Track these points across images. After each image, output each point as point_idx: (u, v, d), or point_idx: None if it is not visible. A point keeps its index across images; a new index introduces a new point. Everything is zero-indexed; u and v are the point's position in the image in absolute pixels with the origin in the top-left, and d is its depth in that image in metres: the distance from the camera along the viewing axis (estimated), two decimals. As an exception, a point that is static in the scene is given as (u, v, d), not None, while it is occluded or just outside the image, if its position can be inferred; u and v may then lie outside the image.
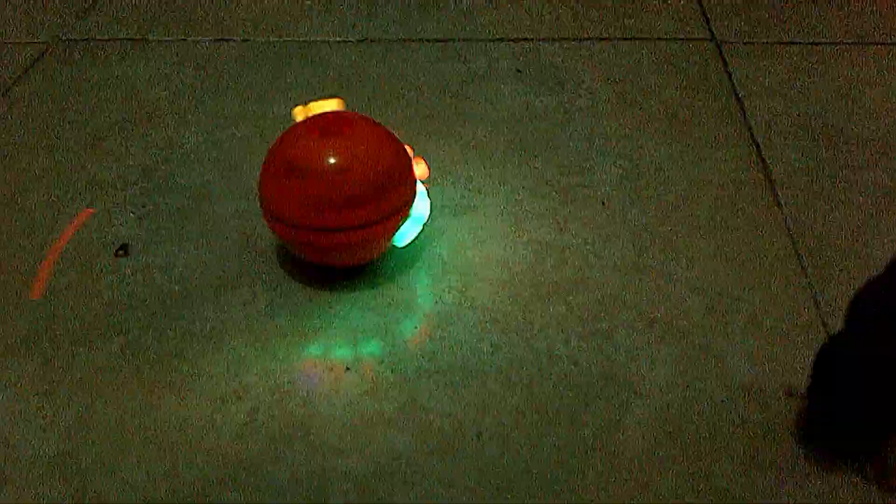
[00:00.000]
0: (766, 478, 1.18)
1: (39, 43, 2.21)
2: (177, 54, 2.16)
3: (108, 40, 2.22)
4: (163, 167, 1.78)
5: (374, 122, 1.48)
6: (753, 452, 1.21)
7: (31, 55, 2.16)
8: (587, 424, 1.26)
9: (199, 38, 2.23)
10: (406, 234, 1.49)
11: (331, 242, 1.41)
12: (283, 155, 1.42)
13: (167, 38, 2.23)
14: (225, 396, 1.31)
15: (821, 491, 1.16)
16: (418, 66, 2.09)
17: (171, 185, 1.73)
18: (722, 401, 1.28)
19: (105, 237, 1.61)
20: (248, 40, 2.22)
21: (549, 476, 1.19)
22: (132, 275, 1.53)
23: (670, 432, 1.24)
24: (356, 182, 1.38)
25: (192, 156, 1.81)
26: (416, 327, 1.42)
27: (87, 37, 2.24)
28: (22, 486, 1.20)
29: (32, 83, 2.06)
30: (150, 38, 2.23)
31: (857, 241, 1.54)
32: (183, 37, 2.23)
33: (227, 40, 2.22)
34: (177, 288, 1.50)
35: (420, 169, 1.51)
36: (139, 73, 2.09)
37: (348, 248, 1.43)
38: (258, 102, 1.98)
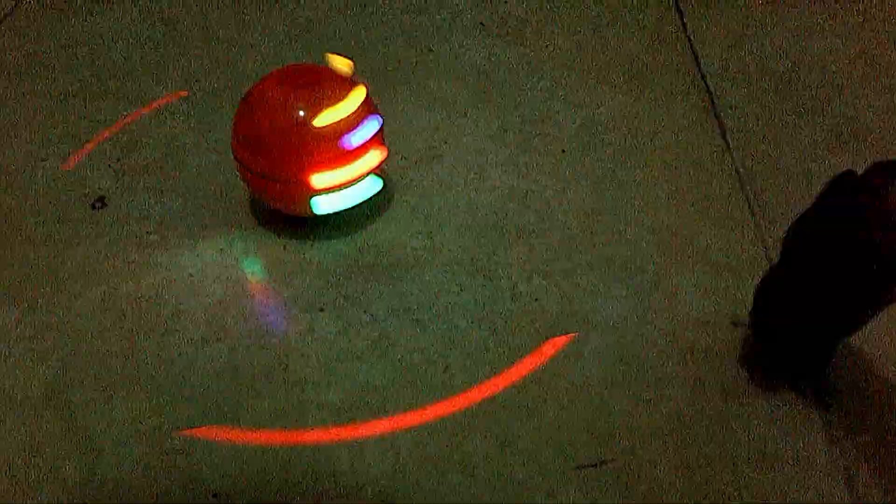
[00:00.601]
0: (712, 400, 1.27)
1: (9, -1, 2.23)
2: (144, 9, 2.19)
3: (77, -4, 2.25)
4: (136, 121, 1.82)
5: (346, 78, 1.52)
6: (702, 377, 1.30)
7: (3, 10, 2.17)
8: (548, 356, 1.34)
9: (167, -7, 2.26)
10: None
11: (294, 192, 1.48)
12: (253, 107, 1.47)
13: (134, -6, 2.26)
14: (206, 338, 1.38)
15: (764, 412, 1.25)
16: (385, 19, 2.14)
17: (145, 140, 1.77)
18: (672, 331, 1.37)
19: (82, 191, 1.65)
20: (215, -5, 2.25)
21: (512, 402, 1.27)
22: (110, 226, 1.58)
23: (625, 361, 1.33)
24: (321, 137, 1.44)
25: (164, 110, 1.86)
26: (386, 270, 1.49)
27: (54, -7, 2.26)
28: (15, 425, 1.26)
29: (5, 38, 2.08)
30: (118, -6, 2.26)
31: (803, 182, 1.62)
32: (150, -8, 2.26)
33: (194, -4, 2.25)
34: (155, 237, 1.55)
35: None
36: (108, 28, 2.12)
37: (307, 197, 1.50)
38: (227, 56, 2.02)
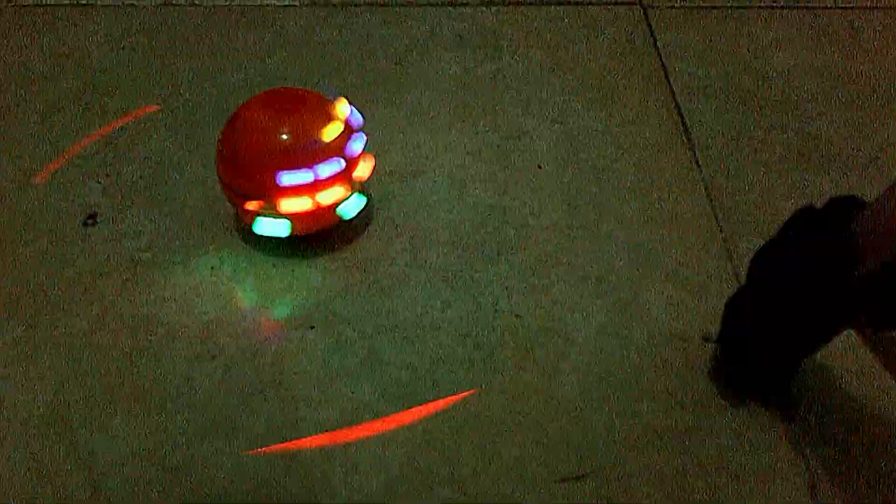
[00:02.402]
0: (685, 414, 1.35)
1: (-12, 8, 2.25)
2: (126, 19, 2.22)
3: (58, 5, 2.26)
4: (122, 136, 1.86)
5: (321, 97, 1.57)
6: (674, 392, 1.38)
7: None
8: (529, 371, 1.42)
9: (147, 2, 2.28)
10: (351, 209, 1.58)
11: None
12: (232, 130, 1.53)
13: (115, 3, 2.27)
14: (200, 356, 1.43)
15: (733, 424, 1.33)
16: (363, 32, 2.18)
17: (133, 154, 1.81)
18: (646, 347, 1.44)
19: (73, 207, 1.69)
20: (195, 5, 2.27)
21: (495, 418, 1.34)
22: (103, 243, 1.62)
23: (602, 376, 1.40)
24: (296, 157, 1.49)
25: (150, 124, 1.89)
26: (373, 287, 1.55)
27: (34, 2, 2.27)
28: (17, 446, 1.31)
29: (-15, 51, 2.11)
30: (98, 2, 2.27)
31: (769, 199, 1.71)
32: (131, 1, 2.28)
33: (174, 4, 2.27)
34: (147, 255, 1.60)
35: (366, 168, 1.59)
36: (90, 39, 2.14)
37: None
38: (210, 68, 2.06)
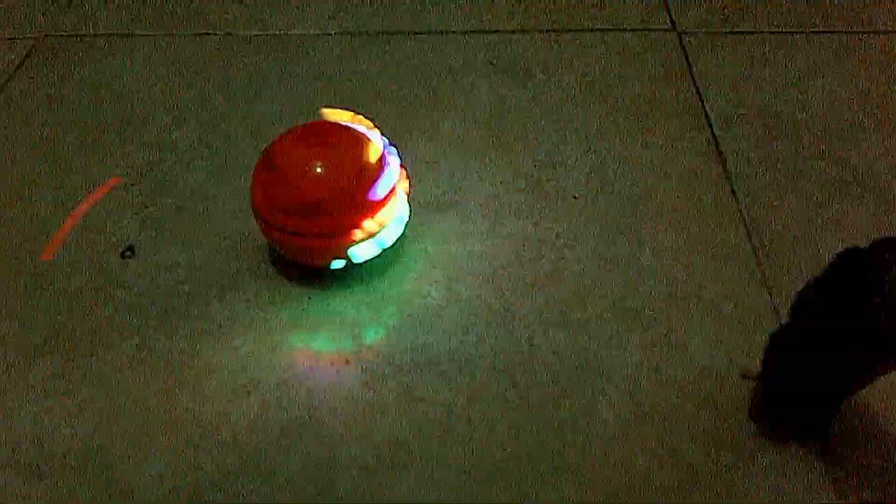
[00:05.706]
0: (725, 454, 1.33)
1: (27, 38, 2.27)
2: (162, 49, 2.24)
3: (94, 35, 2.29)
4: (159, 167, 1.87)
5: (360, 133, 1.58)
6: (714, 430, 1.36)
7: (22, 52, 2.22)
8: (565, 408, 1.40)
9: (182, 32, 2.30)
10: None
11: (297, 244, 1.55)
12: (266, 156, 1.55)
13: (150, 33, 2.30)
14: (236, 391, 1.44)
15: (774, 464, 1.31)
16: (396, 60, 2.18)
17: (170, 186, 1.83)
18: (684, 384, 1.43)
19: (111, 239, 1.71)
20: (230, 34, 2.29)
21: (532, 457, 1.33)
22: (140, 276, 1.63)
23: (640, 414, 1.39)
24: (323, 190, 1.50)
25: (187, 155, 1.91)
26: (407, 321, 1.55)
27: (73, 32, 2.30)
28: (56, 482, 1.32)
29: (24, 81, 2.13)
30: (135, 33, 2.30)
31: (807, 230, 1.68)
32: (166, 31, 2.30)
33: (209, 34, 2.29)
34: (184, 288, 1.61)
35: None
36: (126, 70, 2.16)
37: (308, 251, 1.57)
38: (245, 98, 2.07)
